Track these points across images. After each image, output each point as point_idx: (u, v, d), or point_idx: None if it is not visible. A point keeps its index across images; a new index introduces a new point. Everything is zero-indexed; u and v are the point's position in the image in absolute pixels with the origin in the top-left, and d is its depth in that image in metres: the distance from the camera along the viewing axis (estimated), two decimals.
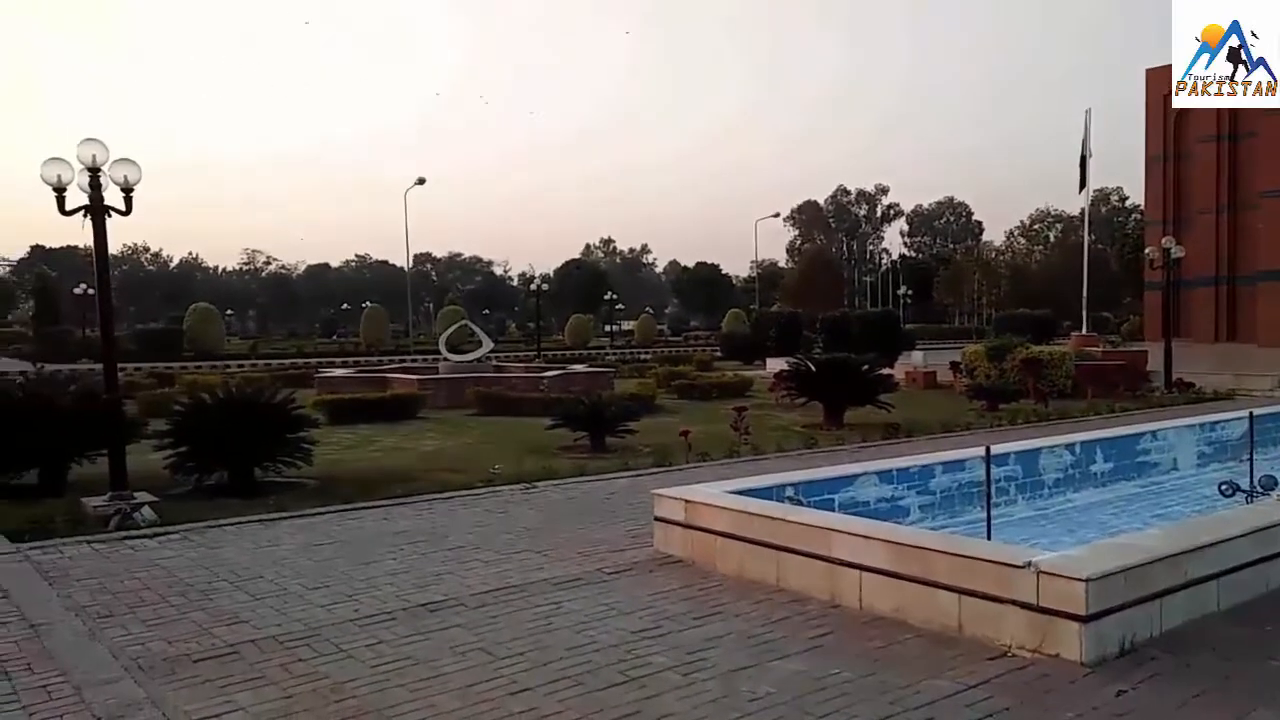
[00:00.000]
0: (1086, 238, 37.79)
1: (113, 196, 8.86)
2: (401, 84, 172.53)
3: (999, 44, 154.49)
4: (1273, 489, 8.99)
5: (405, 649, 5.20)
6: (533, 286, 48.98)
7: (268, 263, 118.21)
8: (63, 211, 8.75)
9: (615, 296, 70.18)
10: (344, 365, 32.61)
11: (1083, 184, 33.72)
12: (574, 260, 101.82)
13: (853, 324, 38.52)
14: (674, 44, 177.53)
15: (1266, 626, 5.28)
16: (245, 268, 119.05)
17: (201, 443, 10.58)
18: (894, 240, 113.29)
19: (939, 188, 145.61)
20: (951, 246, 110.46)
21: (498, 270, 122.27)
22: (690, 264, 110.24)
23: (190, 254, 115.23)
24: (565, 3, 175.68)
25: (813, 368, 16.61)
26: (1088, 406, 18.56)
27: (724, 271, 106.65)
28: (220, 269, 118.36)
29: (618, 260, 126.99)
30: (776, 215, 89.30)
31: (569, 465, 11.80)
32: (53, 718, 4.27)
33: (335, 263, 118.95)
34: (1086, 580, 4.64)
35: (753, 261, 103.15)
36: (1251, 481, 9.23)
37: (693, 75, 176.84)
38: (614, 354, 44.40)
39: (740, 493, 7.11)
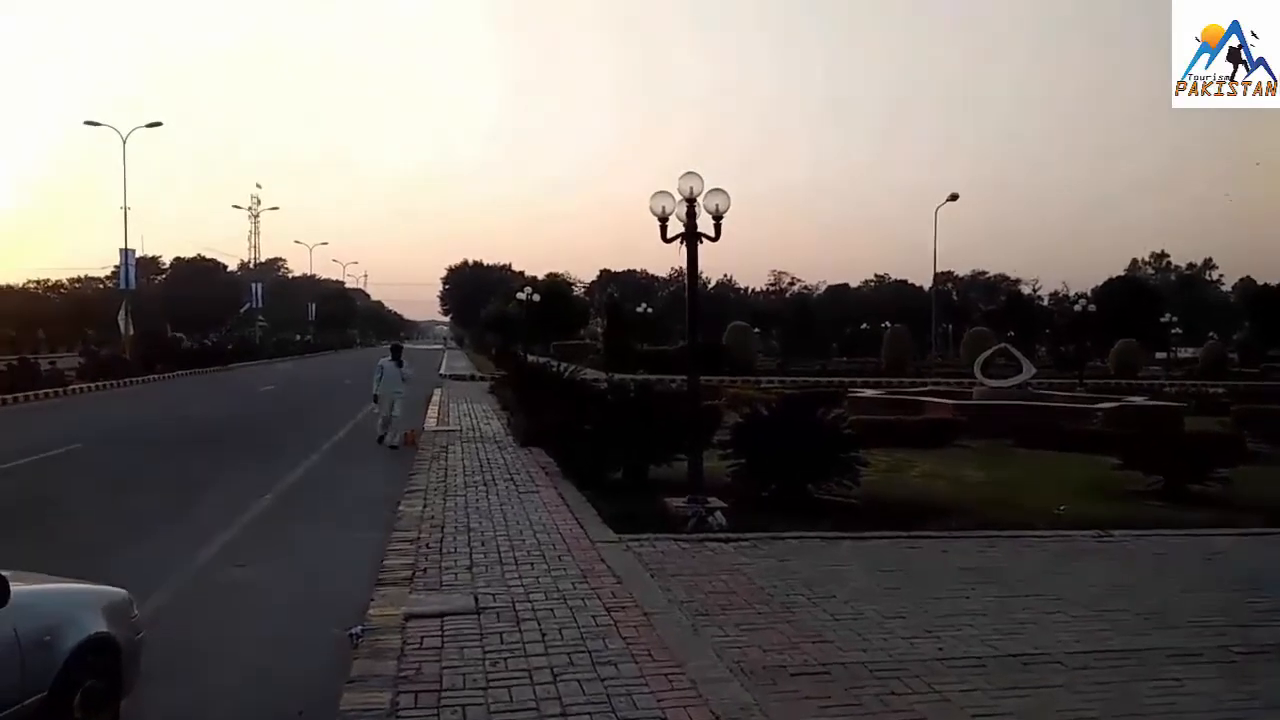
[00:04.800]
0: None
1: (704, 224, 9.75)
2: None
3: None
4: None
5: (1004, 702, 4.81)
6: (1076, 308, 44.82)
7: (791, 283, 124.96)
8: (664, 239, 9.84)
9: (1172, 319, 61.34)
10: (871, 386, 32.82)
11: None
12: (1118, 277, 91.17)
13: None
14: None
15: None
16: (771, 288, 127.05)
17: (759, 455, 11.18)
18: None
19: None
20: None
21: (1025, 289, 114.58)
22: (1271, 281, 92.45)
23: (725, 275, 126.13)
24: None
25: None
26: None
27: None
28: (749, 289, 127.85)
29: (1172, 277, 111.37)
30: None
31: (1146, 513, 10.35)
32: (678, 707, 4.62)
33: (854, 283, 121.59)
34: None
35: None
36: None
37: None
38: (1172, 386, 38.72)
39: None
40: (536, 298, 45.80)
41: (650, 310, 71.20)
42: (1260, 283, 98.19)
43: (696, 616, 6.24)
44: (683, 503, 10.00)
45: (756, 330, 71.18)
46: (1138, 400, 23.91)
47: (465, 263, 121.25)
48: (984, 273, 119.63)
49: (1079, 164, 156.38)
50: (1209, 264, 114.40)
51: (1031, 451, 16.88)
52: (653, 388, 15.81)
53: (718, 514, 9.63)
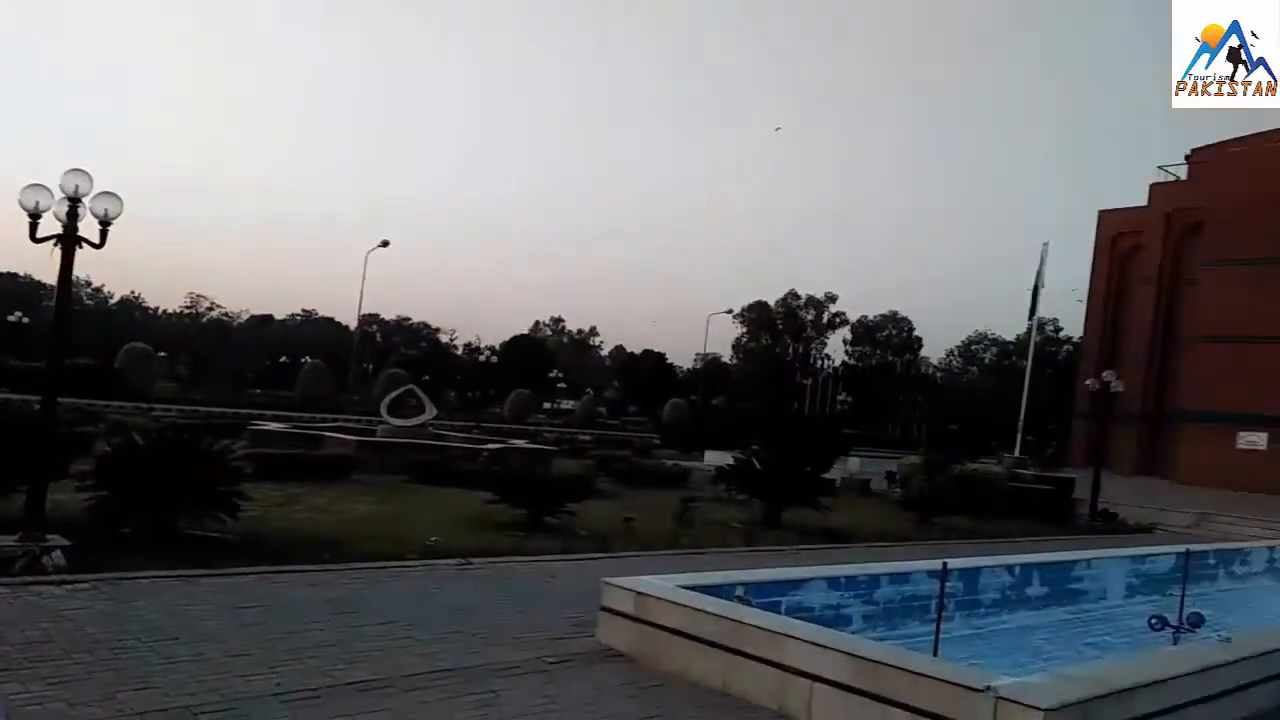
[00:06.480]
0: (1030, 364, 38.57)
1: (88, 228, 8.58)
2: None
3: (968, 175, 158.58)
4: (1199, 626, 9.11)
5: None
6: (482, 358, 48.61)
7: (210, 308, 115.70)
8: (34, 239, 8.41)
9: (560, 375, 69.91)
10: (278, 420, 31.71)
11: (1032, 312, 35.26)
12: (522, 335, 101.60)
13: (792, 426, 38.93)
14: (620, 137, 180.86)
15: None
16: (187, 311, 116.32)
17: (126, 487, 10.08)
18: (837, 347, 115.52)
19: (884, 301, 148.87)
20: (891, 359, 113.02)
21: (444, 338, 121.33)
22: (637, 350, 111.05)
23: (132, 292, 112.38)
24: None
25: (758, 465, 16.57)
26: (1019, 529, 18.79)
27: (669, 361, 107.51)
28: (161, 310, 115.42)
29: (565, 340, 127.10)
30: (729, 312, 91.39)
31: (507, 543, 11.49)
32: None
33: (280, 315, 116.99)
34: (1045, 710, 4.56)
35: (698, 354, 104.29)
36: (1180, 618, 9.32)
37: (649, 166, 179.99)
38: (553, 432, 43.96)
39: (692, 589, 6.94)
40: None
41: (27, 320, 60.25)
42: (629, 351, 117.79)
43: None
44: (13, 541, 8.52)
45: (162, 354, 64.43)
46: (519, 443, 26.66)
47: None
48: (408, 319, 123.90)
49: (500, 226, 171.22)
50: (594, 331, 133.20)
51: (424, 487, 17.74)
52: (7, 407, 13.27)
53: (56, 553, 8.39)
